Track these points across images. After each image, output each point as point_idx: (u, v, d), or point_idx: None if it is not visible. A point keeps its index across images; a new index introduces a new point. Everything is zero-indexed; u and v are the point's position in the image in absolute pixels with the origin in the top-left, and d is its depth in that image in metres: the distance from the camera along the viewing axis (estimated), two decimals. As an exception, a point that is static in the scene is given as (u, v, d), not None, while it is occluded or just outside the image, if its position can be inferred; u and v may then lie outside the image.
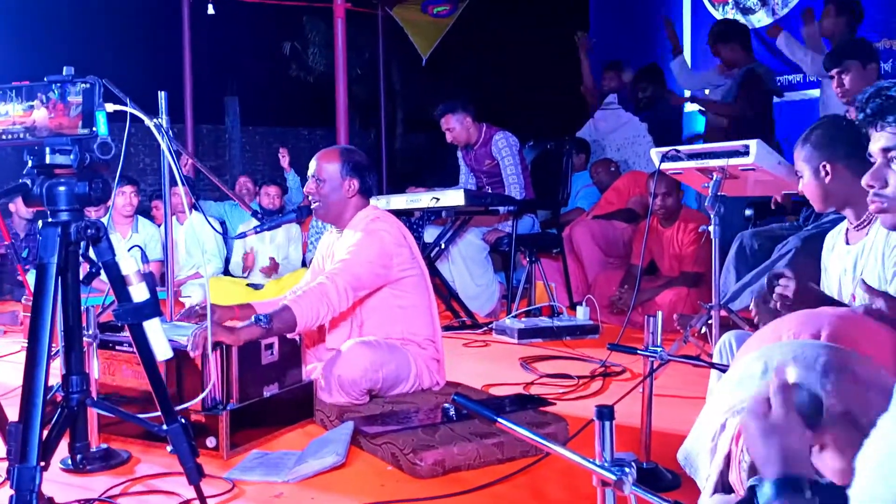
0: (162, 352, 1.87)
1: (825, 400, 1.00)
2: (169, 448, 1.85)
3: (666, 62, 6.43)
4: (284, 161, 6.94)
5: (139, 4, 11.56)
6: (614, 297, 4.59)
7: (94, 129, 1.73)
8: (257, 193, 6.41)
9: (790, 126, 5.24)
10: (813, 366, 1.02)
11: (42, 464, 1.65)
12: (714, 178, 2.88)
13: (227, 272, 5.93)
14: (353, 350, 2.70)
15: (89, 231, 1.78)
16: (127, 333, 1.90)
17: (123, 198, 5.46)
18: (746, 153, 2.76)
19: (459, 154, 5.23)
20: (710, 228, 2.88)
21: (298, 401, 2.69)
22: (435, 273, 4.53)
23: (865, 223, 2.06)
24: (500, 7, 10.87)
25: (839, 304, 1.91)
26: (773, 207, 3.70)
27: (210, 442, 2.36)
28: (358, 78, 12.56)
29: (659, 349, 2.06)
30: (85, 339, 2.13)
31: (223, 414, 2.36)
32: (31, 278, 4.47)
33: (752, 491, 0.93)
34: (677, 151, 2.95)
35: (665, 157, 2.98)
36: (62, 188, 1.76)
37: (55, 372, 1.96)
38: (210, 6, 8.05)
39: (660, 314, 2.11)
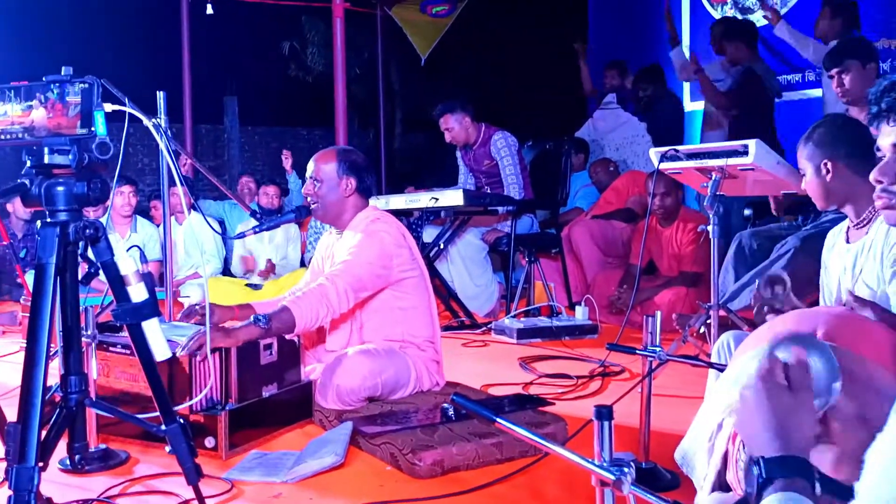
0: (160, 352, 1.86)
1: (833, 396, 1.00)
2: (168, 448, 1.85)
3: (666, 62, 6.43)
4: (287, 163, 6.93)
5: (138, 4, 11.55)
6: (613, 296, 4.59)
7: (92, 128, 1.73)
8: (258, 193, 6.41)
9: (789, 126, 5.25)
10: None
11: (40, 464, 1.65)
12: (713, 178, 2.88)
13: (226, 272, 5.93)
14: (351, 359, 2.70)
15: (88, 231, 1.78)
16: (125, 334, 1.90)
17: (122, 198, 5.45)
18: (745, 153, 2.76)
19: (458, 154, 5.23)
20: (709, 228, 2.88)
21: (297, 401, 2.69)
22: (434, 273, 4.53)
23: (866, 221, 2.06)
24: (499, 7, 10.87)
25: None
26: (774, 213, 3.71)
27: (209, 442, 2.36)
28: (357, 78, 12.57)
29: (658, 349, 2.06)
30: (84, 339, 2.13)
31: (222, 414, 2.36)
32: (29, 278, 4.48)
33: (751, 472, 0.91)
34: (676, 151, 2.95)
35: (664, 157, 2.98)
36: (61, 188, 1.76)
37: (54, 372, 1.95)
38: (209, 6, 8.04)
39: (658, 314, 2.11)
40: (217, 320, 2.65)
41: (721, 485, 1.08)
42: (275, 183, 6.32)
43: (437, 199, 4.42)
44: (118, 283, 1.81)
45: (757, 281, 1.98)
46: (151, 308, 1.85)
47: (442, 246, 4.81)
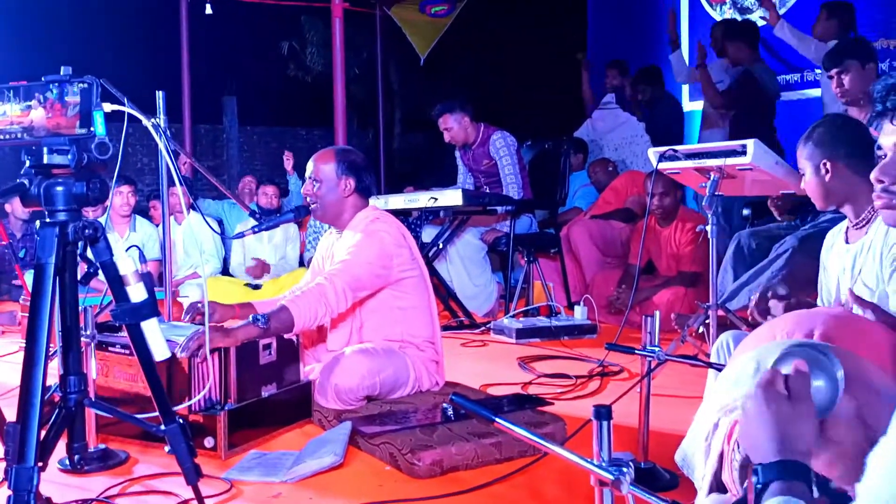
0: (160, 352, 1.86)
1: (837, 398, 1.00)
2: (167, 448, 1.85)
3: (665, 63, 6.44)
4: (288, 164, 6.92)
5: (137, 4, 11.54)
6: (612, 296, 4.59)
7: (91, 128, 1.73)
8: (257, 193, 6.41)
9: (788, 125, 5.25)
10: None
11: (40, 464, 1.65)
12: (711, 178, 2.88)
13: (225, 272, 5.93)
14: (350, 359, 2.70)
15: (87, 231, 1.78)
16: (125, 333, 1.90)
17: (120, 197, 5.45)
18: (744, 153, 2.77)
19: (457, 154, 5.23)
20: (708, 228, 2.89)
21: (296, 401, 2.69)
22: (433, 273, 4.53)
23: (865, 222, 2.07)
24: (498, 7, 10.86)
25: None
26: (778, 217, 3.71)
27: (208, 442, 2.36)
28: (356, 78, 12.56)
29: (657, 349, 2.06)
30: (83, 339, 2.13)
31: (221, 414, 2.36)
32: (28, 278, 4.48)
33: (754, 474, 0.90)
34: (675, 151, 2.95)
35: (663, 157, 2.99)
36: (60, 188, 1.76)
37: (53, 372, 1.95)
38: (208, 6, 8.04)
39: (657, 314, 2.11)
40: (219, 319, 2.66)
41: (718, 485, 1.08)
42: (274, 183, 6.32)
43: (436, 199, 4.42)
44: (117, 283, 1.81)
45: (757, 291, 1.98)
46: (150, 308, 1.85)
47: (441, 246, 4.81)
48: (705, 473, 1.06)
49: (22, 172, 1.80)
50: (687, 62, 6.25)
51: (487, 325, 4.48)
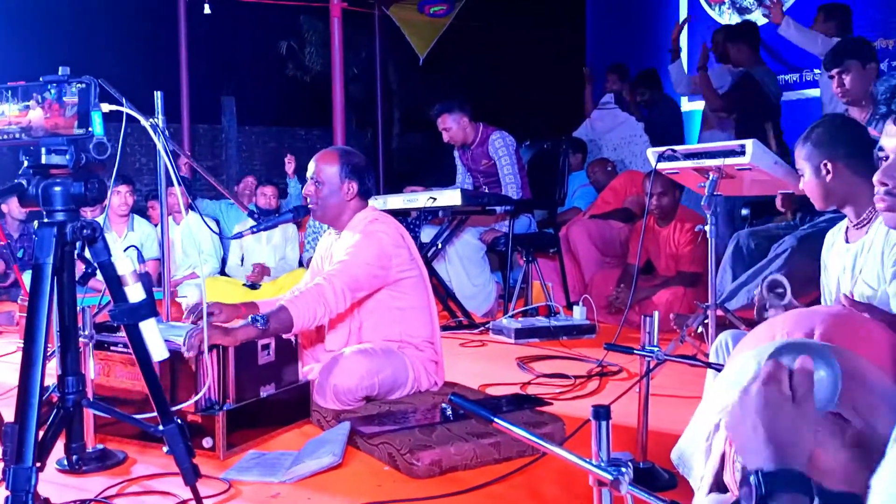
0: (158, 352, 1.86)
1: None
2: (165, 449, 1.85)
3: (663, 63, 6.44)
4: (290, 167, 6.91)
5: (135, 4, 11.53)
6: (611, 296, 4.59)
7: (89, 129, 1.72)
8: (256, 194, 6.40)
9: (787, 125, 5.26)
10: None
11: (38, 464, 1.65)
12: (710, 178, 2.88)
13: (223, 272, 5.92)
14: (349, 359, 2.70)
15: (85, 231, 1.77)
16: (123, 333, 1.89)
17: (118, 197, 5.45)
18: (742, 153, 2.76)
19: (456, 154, 5.23)
20: (706, 228, 2.89)
21: (295, 401, 2.69)
22: (432, 273, 4.53)
23: (865, 221, 2.07)
24: (497, 7, 10.87)
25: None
26: (780, 209, 3.71)
27: (206, 442, 2.36)
28: (355, 77, 12.57)
29: (655, 349, 2.06)
30: (81, 339, 2.12)
31: (220, 414, 2.36)
32: (27, 278, 4.47)
33: (747, 483, 0.89)
34: (674, 151, 2.95)
35: (661, 157, 2.99)
36: (58, 188, 1.76)
37: (51, 372, 1.95)
38: (206, 6, 8.04)
39: (656, 314, 2.11)
40: (225, 320, 2.66)
41: (718, 485, 1.08)
42: (272, 184, 6.31)
43: (434, 199, 4.42)
44: (115, 284, 1.81)
45: (759, 285, 1.98)
46: (149, 308, 1.85)
47: (440, 246, 4.81)
48: (705, 474, 1.06)
49: (20, 172, 1.79)
50: (686, 71, 6.26)
51: (486, 325, 4.48)
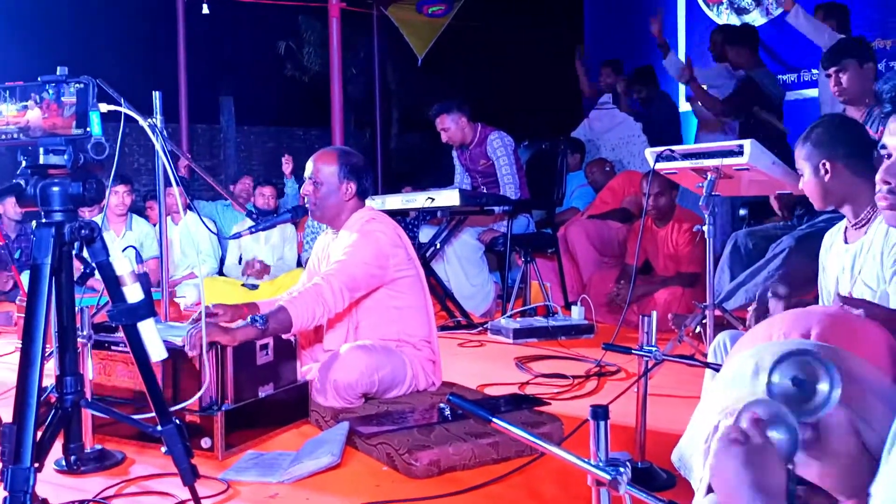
0: (157, 352, 1.86)
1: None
2: (163, 449, 1.85)
3: (661, 62, 6.44)
4: (287, 168, 6.92)
5: (134, 4, 11.52)
6: (612, 293, 4.59)
7: (87, 129, 1.72)
8: (254, 194, 6.41)
9: (786, 126, 5.26)
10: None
11: (36, 465, 1.65)
12: (708, 178, 2.89)
13: (221, 272, 5.92)
14: (348, 354, 2.70)
15: (83, 231, 1.77)
16: (121, 334, 1.89)
17: (116, 197, 5.45)
18: (741, 153, 2.77)
19: (454, 154, 5.23)
20: (705, 228, 2.89)
21: (293, 401, 2.69)
22: (430, 273, 4.53)
23: (864, 222, 2.07)
24: (496, 7, 10.86)
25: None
26: (778, 212, 3.72)
27: (205, 443, 2.36)
28: (353, 78, 12.55)
29: (654, 349, 2.06)
30: (79, 339, 2.12)
31: (218, 414, 2.36)
32: (25, 279, 4.47)
33: None
34: (672, 151, 2.96)
35: (660, 157, 2.99)
36: (56, 188, 1.76)
37: (49, 373, 1.95)
38: (205, 5, 8.03)
39: (654, 314, 2.11)
40: (229, 320, 2.66)
41: (717, 486, 1.08)
42: (271, 184, 6.31)
43: (433, 199, 4.42)
44: (114, 284, 1.81)
45: (759, 289, 1.98)
46: (147, 308, 1.85)
47: (438, 246, 4.81)
48: (704, 475, 1.06)
49: (18, 173, 1.79)
50: (684, 60, 6.25)
51: (485, 326, 4.48)
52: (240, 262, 5.79)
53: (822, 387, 0.99)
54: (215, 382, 2.40)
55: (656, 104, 6.36)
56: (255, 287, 5.43)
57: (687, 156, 2.96)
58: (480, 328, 4.49)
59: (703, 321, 3.02)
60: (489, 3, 10.02)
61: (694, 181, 3.00)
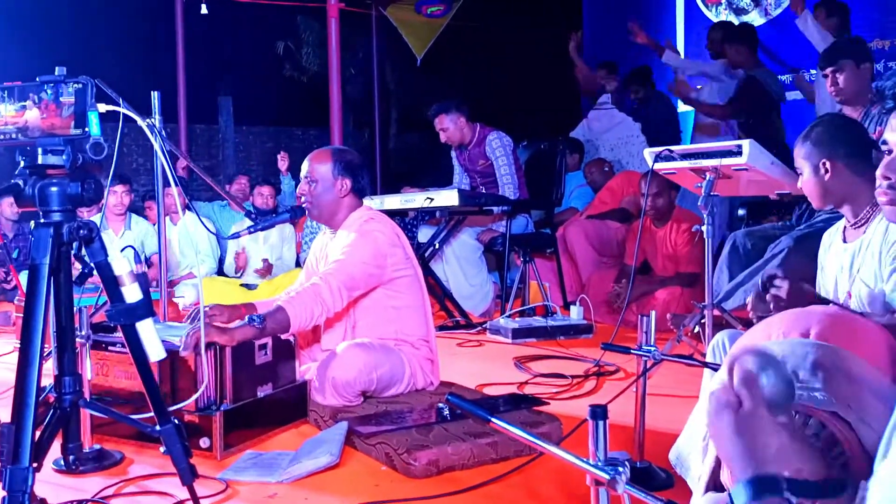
0: (155, 353, 1.86)
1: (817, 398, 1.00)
2: (162, 449, 1.84)
3: (659, 62, 6.45)
4: (283, 164, 6.92)
5: (132, 4, 11.51)
6: (612, 293, 4.59)
7: (86, 129, 1.72)
8: (251, 194, 6.41)
9: (784, 126, 5.27)
10: (802, 364, 1.02)
11: (34, 465, 1.65)
12: (707, 178, 2.89)
13: (220, 272, 5.92)
14: (347, 352, 2.70)
15: (82, 232, 1.77)
16: (120, 334, 1.89)
17: (115, 197, 5.45)
18: (739, 153, 2.77)
19: (453, 154, 5.23)
20: (703, 228, 2.89)
21: (292, 401, 2.69)
22: (429, 273, 4.53)
23: (863, 221, 2.07)
24: (494, 7, 10.87)
25: (832, 303, 1.92)
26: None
27: (203, 442, 2.36)
28: (352, 78, 12.55)
29: (652, 348, 2.06)
30: (78, 339, 2.12)
31: (217, 414, 2.36)
32: (23, 279, 4.47)
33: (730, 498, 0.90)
34: (670, 151, 2.96)
35: (658, 157, 2.99)
36: (54, 189, 1.76)
37: (48, 373, 1.95)
38: (203, 6, 8.03)
39: (653, 314, 2.11)
40: (226, 321, 2.66)
41: (716, 485, 1.08)
42: (270, 183, 6.31)
43: (432, 199, 4.42)
44: (112, 284, 1.81)
45: (758, 280, 1.98)
46: (146, 308, 1.84)
47: (437, 246, 4.81)
48: (702, 473, 1.06)
49: (17, 173, 1.79)
50: (682, 55, 6.26)
51: (483, 325, 4.48)
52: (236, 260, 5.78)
53: (765, 381, 0.98)
54: (214, 382, 2.40)
55: (653, 104, 6.36)
56: (253, 287, 5.43)
57: (686, 156, 2.96)
58: (479, 328, 4.49)
59: (702, 321, 3.02)
60: (488, 4, 10.02)
61: (693, 181, 3.00)
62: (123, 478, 2.24)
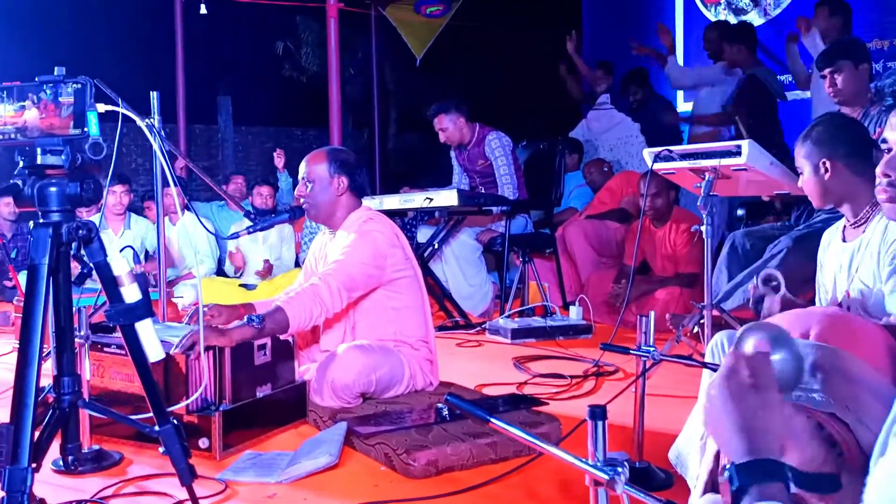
0: (154, 353, 1.86)
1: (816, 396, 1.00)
2: (161, 449, 1.84)
3: (654, 65, 6.45)
4: (279, 161, 6.93)
5: (132, 4, 11.51)
6: (612, 293, 4.59)
7: (85, 129, 1.72)
8: (248, 194, 6.42)
9: (783, 125, 5.27)
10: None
11: (33, 465, 1.65)
12: (706, 179, 2.89)
13: (220, 273, 5.92)
14: (346, 354, 2.70)
15: (81, 232, 1.77)
16: (117, 334, 1.89)
17: (114, 197, 5.45)
18: (738, 153, 2.77)
19: (452, 154, 5.23)
20: (703, 228, 2.89)
21: (291, 401, 2.69)
22: (428, 273, 4.53)
23: (863, 220, 2.08)
24: (494, 7, 10.86)
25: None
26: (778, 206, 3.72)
27: (203, 443, 2.36)
28: (351, 78, 12.54)
29: (651, 349, 2.06)
30: (77, 340, 2.12)
31: (216, 415, 2.36)
32: (22, 279, 4.46)
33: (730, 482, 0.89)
34: (670, 151, 2.96)
35: (657, 158, 2.99)
36: (53, 189, 1.75)
37: (47, 373, 1.95)
38: (203, 6, 8.03)
39: (652, 314, 2.11)
40: (225, 322, 2.65)
41: (714, 485, 1.08)
42: (268, 183, 6.31)
43: (431, 200, 4.42)
44: (111, 284, 1.81)
45: (754, 278, 1.98)
46: (145, 309, 1.84)
47: (436, 246, 4.81)
48: (700, 473, 1.06)
49: (15, 173, 1.79)
50: (681, 62, 6.26)
51: (483, 326, 4.48)
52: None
53: (778, 357, 0.97)
54: (213, 383, 2.40)
55: (652, 106, 6.37)
56: (252, 287, 5.43)
57: (685, 156, 2.96)
58: (478, 328, 4.49)
59: (701, 321, 3.02)
60: (487, 4, 10.02)
61: (692, 181, 3.01)
62: (122, 478, 2.24)
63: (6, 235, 6.05)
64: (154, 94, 3.38)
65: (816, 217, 3.45)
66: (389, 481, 2.20)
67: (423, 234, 5.04)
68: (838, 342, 1.10)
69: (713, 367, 1.88)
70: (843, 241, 2.13)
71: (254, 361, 2.54)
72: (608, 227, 5.27)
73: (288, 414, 2.68)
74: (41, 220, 1.76)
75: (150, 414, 1.85)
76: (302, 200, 2.91)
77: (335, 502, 2.10)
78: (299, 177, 2.93)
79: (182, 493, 1.93)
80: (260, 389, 2.56)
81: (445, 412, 2.48)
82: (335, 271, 2.69)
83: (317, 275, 2.75)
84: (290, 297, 2.61)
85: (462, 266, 4.96)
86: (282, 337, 2.64)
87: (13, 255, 5.75)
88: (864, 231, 2.06)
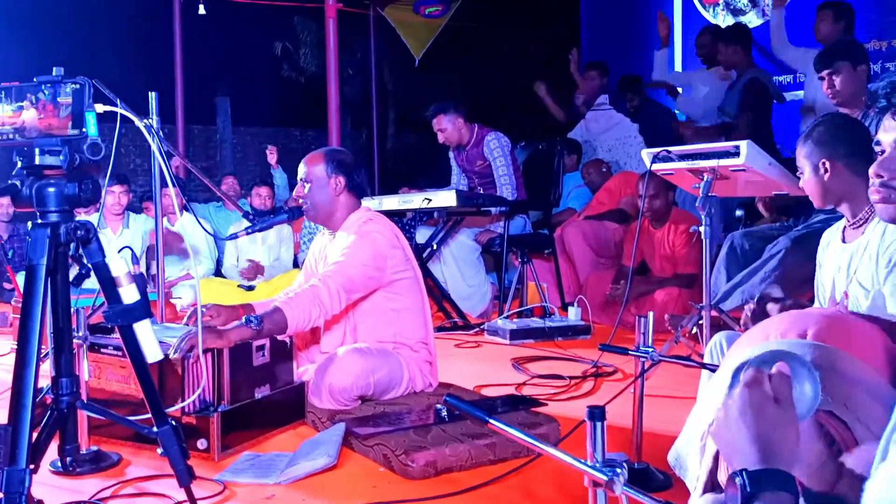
0: (152, 354, 1.86)
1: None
2: (159, 450, 1.84)
3: (649, 68, 6.45)
4: (272, 158, 6.93)
5: (130, 4, 11.50)
6: (610, 293, 4.59)
7: (83, 129, 1.72)
8: (244, 195, 6.42)
9: (782, 126, 5.27)
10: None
11: (31, 466, 1.65)
12: (705, 179, 2.89)
13: (218, 273, 5.92)
14: (344, 358, 2.70)
15: (79, 232, 1.77)
16: (117, 335, 1.89)
17: (112, 197, 5.45)
18: (737, 154, 2.78)
19: (451, 155, 5.23)
20: (701, 229, 2.89)
21: (290, 402, 2.69)
22: (427, 274, 4.53)
23: (862, 221, 2.08)
24: (493, 8, 10.87)
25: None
26: (764, 214, 3.71)
27: (201, 444, 2.36)
28: (350, 78, 12.54)
29: (650, 350, 2.06)
30: (75, 340, 2.12)
31: (214, 416, 2.36)
32: (20, 279, 4.46)
33: (733, 483, 0.89)
34: (668, 152, 2.96)
35: (656, 158, 2.99)
36: (52, 189, 1.75)
37: (45, 374, 1.95)
38: (201, 6, 8.03)
39: (651, 315, 2.11)
40: (223, 322, 2.65)
41: (714, 485, 1.08)
42: (267, 184, 6.31)
43: (430, 200, 4.42)
44: (109, 285, 1.81)
45: (753, 295, 1.99)
46: (143, 309, 1.84)
47: (435, 247, 4.81)
48: (700, 474, 1.06)
49: (14, 173, 1.79)
50: (680, 68, 6.27)
51: (481, 326, 4.48)
52: (237, 263, 5.78)
53: (806, 389, 0.99)
54: (211, 383, 2.40)
55: (649, 112, 6.38)
56: (251, 288, 5.43)
57: (683, 157, 2.96)
58: (477, 329, 4.49)
59: (700, 322, 3.03)
60: (486, 4, 10.03)
61: (690, 182, 3.01)
62: (121, 479, 2.24)
63: (2, 236, 6.04)
64: (152, 95, 3.38)
65: (816, 217, 3.46)
66: (388, 482, 2.20)
67: (422, 235, 5.04)
68: (836, 342, 1.10)
69: (711, 368, 1.88)
70: (843, 241, 2.14)
71: (252, 362, 2.53)
72: (607, 228, 5.27)
73: (286, 415, 2.67)
74: (39, 221, 1.75)
75: (149, 415, 1.84)
76: (301, 201, 2.91)
77: (334, 503, 2.09)
78: (298, 178, 2.93)
79: (180, 495, 1.93)
80: (258, 390, 2.55)
81: (444, 413, 2.48)
82: (335, 273, 2.68)
83: (316, 276, 2.75)
84: (289, 298, 2.61)
85: (461, 267, 4.96)
86: (280, 338, 2.63)
87: (9, 256, 5.74)
88: (863, 232, 2.06)
